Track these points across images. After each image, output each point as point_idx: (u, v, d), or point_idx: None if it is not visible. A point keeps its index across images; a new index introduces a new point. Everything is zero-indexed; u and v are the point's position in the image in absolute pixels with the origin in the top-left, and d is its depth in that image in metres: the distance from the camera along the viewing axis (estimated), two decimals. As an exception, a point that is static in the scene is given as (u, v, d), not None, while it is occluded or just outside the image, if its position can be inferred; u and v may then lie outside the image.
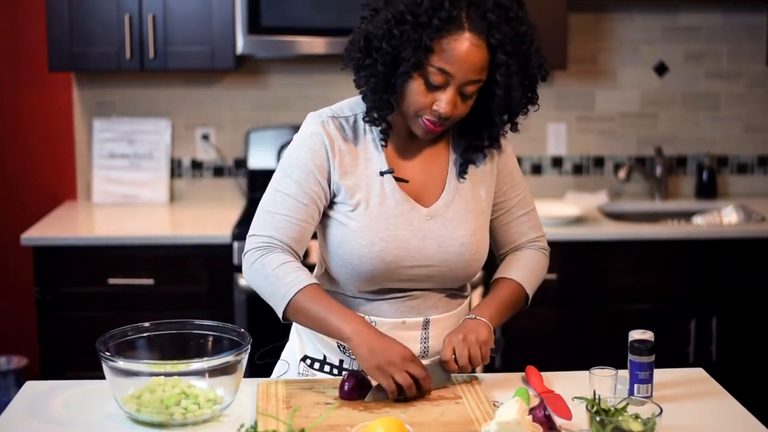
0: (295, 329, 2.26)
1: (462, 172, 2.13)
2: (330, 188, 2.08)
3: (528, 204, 2.23)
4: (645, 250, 3.80)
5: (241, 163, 4.25)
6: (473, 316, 2.08)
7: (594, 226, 3.85)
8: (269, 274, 2.03)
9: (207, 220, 3.96)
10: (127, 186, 4.19)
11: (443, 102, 1.97)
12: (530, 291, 2.18)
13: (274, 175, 2.11)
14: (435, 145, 2.14)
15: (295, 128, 4.13)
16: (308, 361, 2.20)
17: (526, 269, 2.19)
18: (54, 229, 3.81)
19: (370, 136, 2.09)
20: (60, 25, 3.81)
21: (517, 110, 2.04)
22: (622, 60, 4.27)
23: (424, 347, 2.13)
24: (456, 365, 2.01)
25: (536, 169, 4.30)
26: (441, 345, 2.12)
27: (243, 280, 3.66)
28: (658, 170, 4.27)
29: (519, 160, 4.19)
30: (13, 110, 4.19)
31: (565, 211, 3.93)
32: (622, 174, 4.19)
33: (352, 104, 2.12)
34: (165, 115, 4.22)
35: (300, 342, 2.22)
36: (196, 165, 4.26)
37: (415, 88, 1.98)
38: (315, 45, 3.83)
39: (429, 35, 1.92)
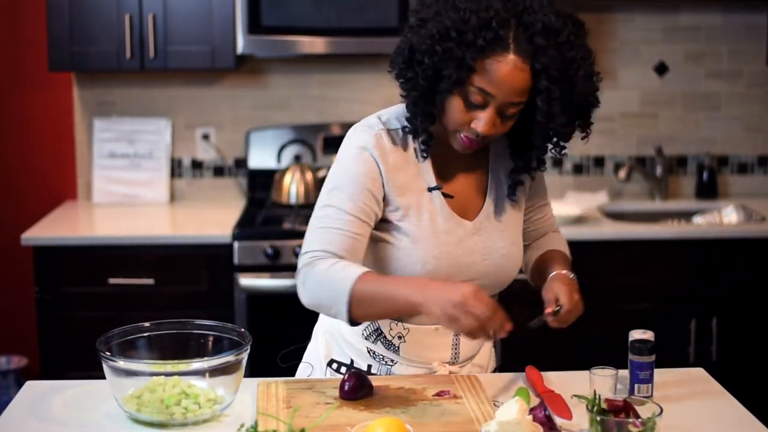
0: (319, 330, 2.24)
1: (511, 193, 2.12)
2: (382, 204, 2.03)
3: (547, 197, 2.29)
4: (645, 250, 3.80)
5: (241, 163, 4.26)
6: (558, 272, 2.09)
7: (594, 226, 3.85)
8: (321, 280, 1.93)
9: (207, 220, 3.96)
10: (127, 186, 4.19)
11: (481, 122, 1.93)
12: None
13: (324, 190, 2.03)
14: (475, 155, 2.10)
15: (295, 128, 4.17)
16: (335, 365, 2.18)
17: (565, 248, 2.26)
18: (54, 229, 3.81)
19: (414, 149, 2.06)
20: (60, 25, 3.81)
21: (561, 137, 2.00)
22: (622, 60, 4.27)
23: (455, 353, 2.13)
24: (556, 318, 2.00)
25: (536, 169, 4.30)
26: (471, 352, 2.15)
27: (243, 280, 3.67)
28: (658, 170, 4.27)
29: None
30: (13, 110, 4.19)
31: (566, 211, 3.92)
32: (622, 174, 4.19)
33: (398, 115, 2.07)
34: (165, 115, 4.22)
35: (326, 345, 2.21)
36: (197, 165, 4.26)
37: (455, 106, 1.94)
38: (315, 45, 3.83)
39: (472, 55, 1.88)
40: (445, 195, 2.07)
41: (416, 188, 2.04)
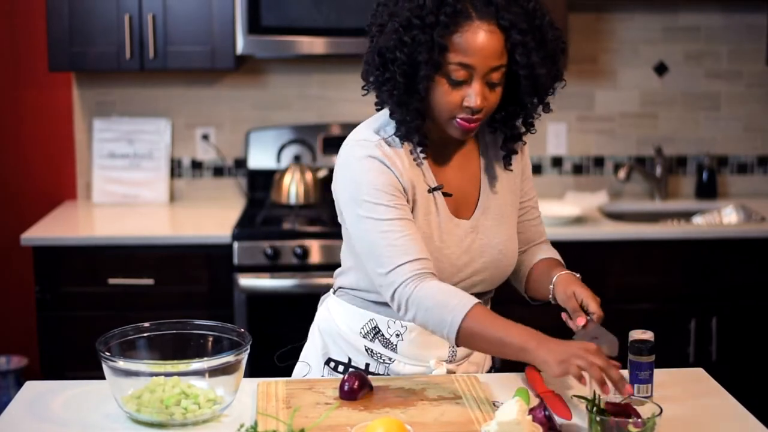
0: (316, 330, 2.24)
1: (507, 163, 2.13)
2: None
3: (538, 202, 2.27)
4: (645, 250, 3.80)
5: (241, 163, 4.26)
6: (563, 273, 2.10)
7: (594, 226, 3.85)
8: (429, 305, 1.94)
9: (207, 220, 3.96)
10: (127, 186, 4.19)
11: (473, 96, 1.94)
12: None
13: (358, 211, 2.00)
14: (465, 149, 2.12)
15: (295, 128, 4.17)
16: (332, 364, 2.18)
17: (559, 258, 2.22)
18: (54, 229, 3.81)
19: (409, 152, 2.06)
20: (60, 25, 3.81)
21: (545, 88, 2.02)
22: (622, 60, 4.27)
23: (452, 351, 2.13)
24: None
25: (536, 169, 4.30)
26: (467, 350, 2.12)
27: (243, 280, 3.66)
28: (658, 170, 4.27)
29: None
30: (13, 110, 4.19)
31: (565, 211, 3.93)
32: (622, 174, 4.19)
33: (384, 123, 2.07)
34: (165, 115, 4.22)
35: (323, 343, 2.20)
36: (196, 165, 4.26)
37: (441, 90, 1.95)
38: (315, 45, 3.83)
39: (439, 33, 1.91)
40: (445, 194, 2.07)
41: (420, 190, 2.05)
